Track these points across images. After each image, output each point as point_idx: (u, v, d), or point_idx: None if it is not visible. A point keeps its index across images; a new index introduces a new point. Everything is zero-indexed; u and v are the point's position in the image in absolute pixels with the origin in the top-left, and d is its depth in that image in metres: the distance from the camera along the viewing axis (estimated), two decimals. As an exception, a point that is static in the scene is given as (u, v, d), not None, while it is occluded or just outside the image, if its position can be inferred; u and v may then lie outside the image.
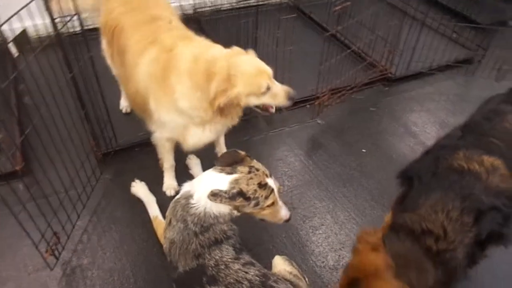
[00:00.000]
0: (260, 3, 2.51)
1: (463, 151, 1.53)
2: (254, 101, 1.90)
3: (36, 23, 1.77)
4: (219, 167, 1.68)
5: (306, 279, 1.75)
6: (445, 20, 3.72)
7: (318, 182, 2.51)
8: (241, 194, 1.60)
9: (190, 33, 2.09)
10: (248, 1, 2.53)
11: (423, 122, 2.98)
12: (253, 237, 2.15)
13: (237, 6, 2.70)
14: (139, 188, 2.31)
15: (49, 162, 1.93)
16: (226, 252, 1.55)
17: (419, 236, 1.38)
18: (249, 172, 1.64)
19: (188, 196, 1.66)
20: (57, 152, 2.01)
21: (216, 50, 1.90)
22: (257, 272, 1.49)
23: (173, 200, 1.75)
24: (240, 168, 1.65)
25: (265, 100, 1.91)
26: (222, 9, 3.31)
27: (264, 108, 1.99)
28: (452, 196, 1.40)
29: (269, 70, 1.89)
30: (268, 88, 1.87)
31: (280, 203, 1.75)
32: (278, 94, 1.92)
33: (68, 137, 2.09)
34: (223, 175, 1.64)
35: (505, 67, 3.11)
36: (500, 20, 3.86)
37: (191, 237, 1.58)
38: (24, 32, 1.93)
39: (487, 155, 1.49)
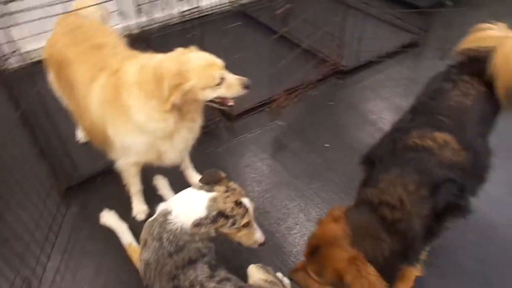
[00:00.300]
0: (204, 14, 2.51)
1: (416, 130, 1.60)
2: (210, 94, 1.87)
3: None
4: (198, 185, 1.76)
5: (285, 281, 1.77)
6: (387, 7, 3.84)
7: (286, 182, 2.54)
8: (220, 213, 1.66)
9: (136, 53, 2.07)
10: (192, 14, 2.52)
11: (379, 109, 3.06)
12: (231, 248, 2.14)
13: (183, 20, 2.69)
14: (109, 218, 2.26)
15: (8, 206, 1.87)
16: (201, 271, 1.55)
17: (376, 207, 1.44)
18: (226, 191, 1.72)
19: (166, 213, 1.68)
20: (15, 194, 1.94)
21: (160, 56, 1.89)
22: (232, 287, 1.50)
23: (149, 219, 1.75)
24: (218, 187, 1.73)
25: (221, 92, 1.89)
26: (169, 24, 3.29)
27: (222, 102, 1.98)
28: (409, 171, 1.46)
29: (220, 62, 1.88)
30: (222, 79, 1.87)
31: (255, 225, 1.81)
32: (233, 84, 1.91)
33: (25, 177, 2.03)
34: (202, 192, 1.71)
35: (447, 46, 3.23)
36: (439, 1, 4.02)
37: (166, 257, 1.56)
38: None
39: (438, 132, 1.57)
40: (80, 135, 2.76)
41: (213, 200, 1.68)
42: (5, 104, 1.90)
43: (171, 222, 1.64)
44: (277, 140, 2.85)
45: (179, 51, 1.88)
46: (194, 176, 2.48)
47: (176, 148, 2.05)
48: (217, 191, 1.71)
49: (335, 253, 1.40)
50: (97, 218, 2.27)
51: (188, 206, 1.69)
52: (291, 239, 2.21)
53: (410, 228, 1.40)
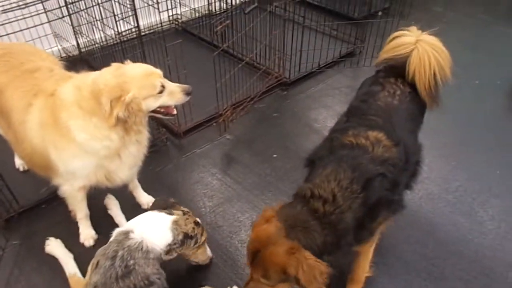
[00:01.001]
0: (144, 33, 2.50)
1: (351, 130, 1.69)
2: (152, 103, 1.88)
3: None
4: (157, 209, 1.85)
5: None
6: (323, 20, 4.01)
7: (238, 195, 2.56)
8: (186, 236, 1.80)
9: (73, 74, 2.02)
10: (131, 34, 2.51)
11: (323, 118, 3.17)
12: (185, 266, 2.12)
13: (123, 40, 2.66)
14: (54, 246, 2.17)
15: None
16: None
17: (308, 200, 1.49)
18: (184, 214, 1.86)
19: (128, 232, 1.71)
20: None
21: (95, 73, 1.86)
22: None
23: (108, 242, 1.74)
24: (175, 211, 1.85)
25: (164, 100, 1.91)
26: (108, 45, 3.24)
27: (166, 111, 2.00)
28: (344, 167, 1.52)
29: (158, 71, 1.90)
30: (163, 87, 1.88)
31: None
32: (174, 92, 1.93)
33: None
34: (163, 214, 1.81)
35: (381, 54, 3.44)
36: (371, 12, 4.27)
37: (112, 281, 1.54)
38: None
39: (371, 130, 1.66)
40: (19, 163, 2.64)
41: (176, 223, 1.78)
42: None
43: (132, 238, 1.67)
44: (226, 154, 2.87)
45: (114, 65, 1.87)
46: (143, 196, 2.44)
47: (126, 165, 2.01)
48: (176, 215, 1.82)
49: (272, 250, 1.42)
50: (43, 249, 2.18)
51: (151, 227, 1.75)
52: (244, 252, 2.22)
53: (342, 220, 1.47)
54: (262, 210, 1.62)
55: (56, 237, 2.21)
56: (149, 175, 2.58)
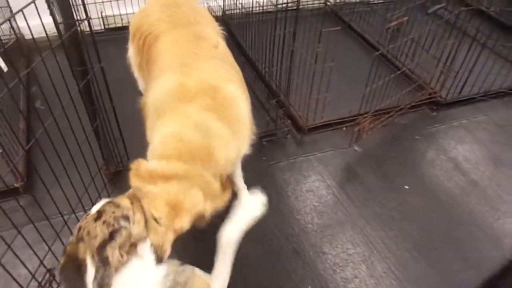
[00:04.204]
0: (295, 7, 2.16)
1: None
2: None
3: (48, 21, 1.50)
4: None
5: None
6: (505, 41, 3.31)
7: (352, 222, 2.18)
8: None
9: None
10: (281, 5, 2.19)
11: (476, 157, 2.60)
12: (276, 285, 1.86)
13: (270, 10, 2.38)
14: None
15: (54, 179, 1.65)
16: None
17: None
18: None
19: None
20: (67, 167, 1.72)
21: None
22: None
23: None
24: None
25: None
26: (253, 12, 2.99)
27: None
28: None
29: None
30: None
31: None
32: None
33: (77, 152, 1.81)
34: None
35: None
36: None
37: None
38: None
39: None
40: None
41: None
42: (71, 72, 1.69)
43: None
44: (350, 168, 2.49)
45: None
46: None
47: None
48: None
49: None
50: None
51: None
52: (347, 294, 1.88)
53: None
54: None
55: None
56: (261, 167, 2.33)
